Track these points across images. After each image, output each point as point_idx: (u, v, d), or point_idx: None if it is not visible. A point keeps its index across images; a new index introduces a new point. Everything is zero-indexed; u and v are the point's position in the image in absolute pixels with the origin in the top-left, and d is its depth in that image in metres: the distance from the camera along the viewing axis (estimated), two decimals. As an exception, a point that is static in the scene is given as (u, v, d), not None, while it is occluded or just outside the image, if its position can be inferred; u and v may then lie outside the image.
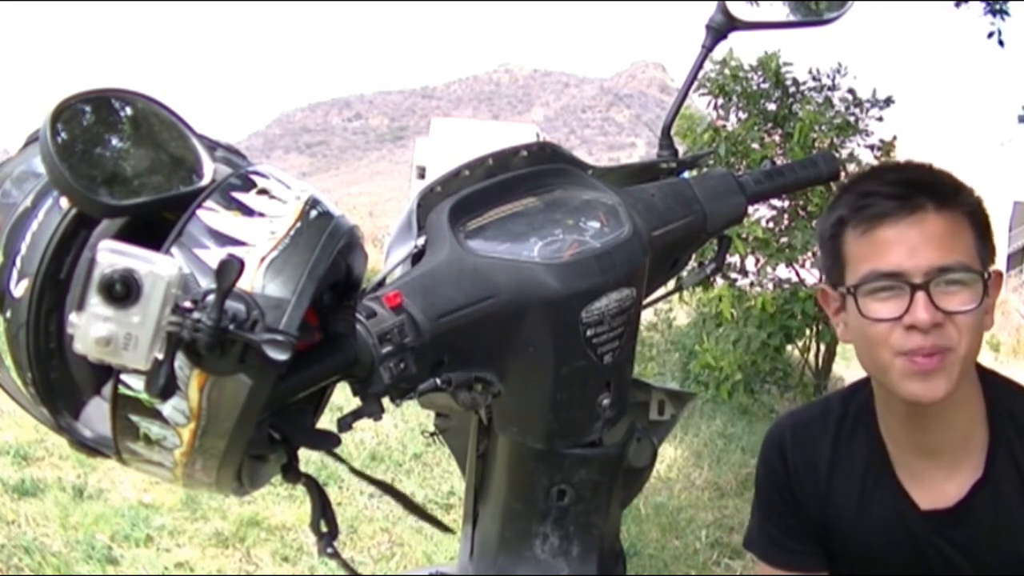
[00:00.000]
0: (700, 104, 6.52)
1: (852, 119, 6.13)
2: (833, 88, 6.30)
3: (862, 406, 1.24)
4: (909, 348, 1.07)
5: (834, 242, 1.14)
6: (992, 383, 1.18)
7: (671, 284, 0.99)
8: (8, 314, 0.61)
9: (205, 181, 0.62)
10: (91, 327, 0.50)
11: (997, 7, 5.54)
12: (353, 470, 0.79)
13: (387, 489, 0.82)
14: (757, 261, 6.12)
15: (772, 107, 6.19)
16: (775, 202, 5.87)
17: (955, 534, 1.17)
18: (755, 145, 5.96)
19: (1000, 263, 1.20)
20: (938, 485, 1.18)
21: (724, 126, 6.21)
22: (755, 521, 1.34)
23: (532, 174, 0.84)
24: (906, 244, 1.07)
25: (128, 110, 0.63)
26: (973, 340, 1.08)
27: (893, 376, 1.09)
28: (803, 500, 1.26)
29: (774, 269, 6.06)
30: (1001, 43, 5.64)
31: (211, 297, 0.52)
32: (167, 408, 0.55)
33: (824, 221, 1.17)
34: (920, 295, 1.06)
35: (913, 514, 1.19)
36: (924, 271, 1.06)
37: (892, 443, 1.20)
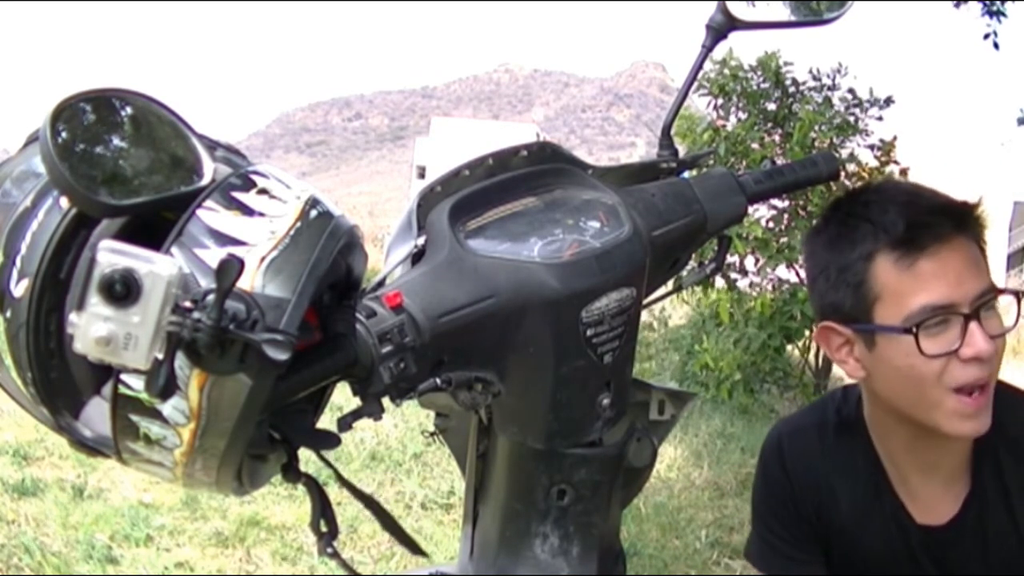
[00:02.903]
0: (700, 104, 6.53)
1: (852, 119, 6.14)
2: (833, 88, 6.30)
3: (852, 412, 1.21)
4: (967, 381, 1.03)
5: (858, 277, 1.07)
6: None
7: (671, 284, 0.99)
8: (8, 314, 0.61)
9: (205, 181, 0.62)
10: (91, 327, 0.50)
11: (994, 8, 5.55)
12: (340, 479, 0.74)
13: (368, 503, 0.77)
14: (757, 261, 6.12)
15: (772, 107, 6.19)
16: (775, 202, 5.87)
17: (948, 551, 1.16)
18: (755, 145, 5.96)
19: (1000, 263, 1.18)
20: (933, 500, 1.16)
21: (724, 126, 6.21)
22: (755, 531, 1.32)
23: (532, 174, 0.84)
24: (951, 273, 1.03)
25: (128, 110, 0.63)
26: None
27: (940, 414, 1.05)
28: (803, 510, 1.25)
29: (774, 269, 6.05)
30: (996, 45, 5.64)
31: (211, 297, 0.52)
32: (167, 408, 0.55)
33: (836, 253, 1.09)
34: (974, 325, 1.02)
35: (911, 527, 1.17)
36: (971, 299, 1.03)
37: (889, 460, 1.18)
